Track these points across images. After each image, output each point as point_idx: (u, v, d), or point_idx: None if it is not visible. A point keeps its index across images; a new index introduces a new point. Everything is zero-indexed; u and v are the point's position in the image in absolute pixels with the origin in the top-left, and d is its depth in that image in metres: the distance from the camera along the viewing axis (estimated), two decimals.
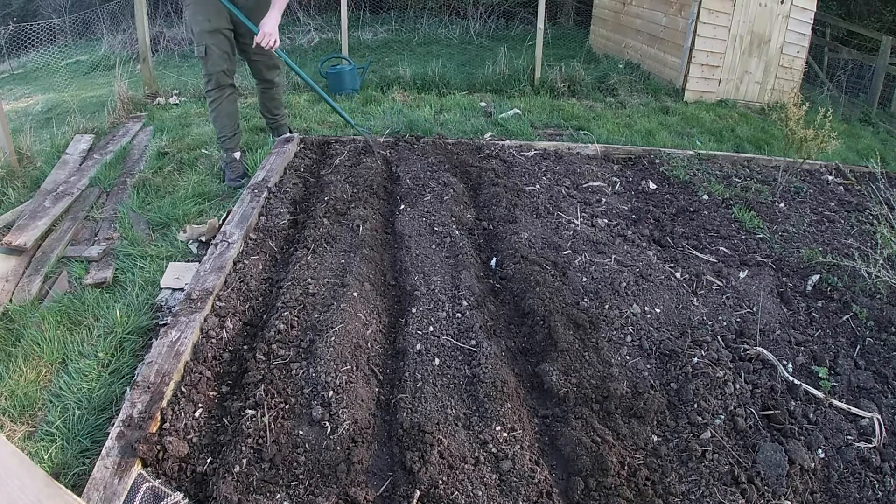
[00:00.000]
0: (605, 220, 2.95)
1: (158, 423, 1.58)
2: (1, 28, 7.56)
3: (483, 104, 5.29)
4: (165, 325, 1.94)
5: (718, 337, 2.13)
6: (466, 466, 1.53)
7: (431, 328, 2.01)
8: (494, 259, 2.57)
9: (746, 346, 2.07)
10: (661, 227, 3.00)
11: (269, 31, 2.95)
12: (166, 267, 2.49)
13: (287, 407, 1.64)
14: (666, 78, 6.48)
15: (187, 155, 3.67)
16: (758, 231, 3.02)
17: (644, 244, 2.74)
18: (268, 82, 3.42)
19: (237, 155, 3.34)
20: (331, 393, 1.66)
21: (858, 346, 2.19)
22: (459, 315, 2.09)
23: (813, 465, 1.66)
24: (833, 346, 2.19)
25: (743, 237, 2.94)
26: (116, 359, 1.98)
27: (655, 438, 1.71)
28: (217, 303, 2.09)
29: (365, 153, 3.55)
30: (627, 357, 1.97)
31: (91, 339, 2.06)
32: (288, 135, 3.64)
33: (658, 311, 2.21)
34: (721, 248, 2.80)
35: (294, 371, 1.75)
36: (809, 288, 2.53)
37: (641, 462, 1.62)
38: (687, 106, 5.90)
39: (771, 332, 2.18)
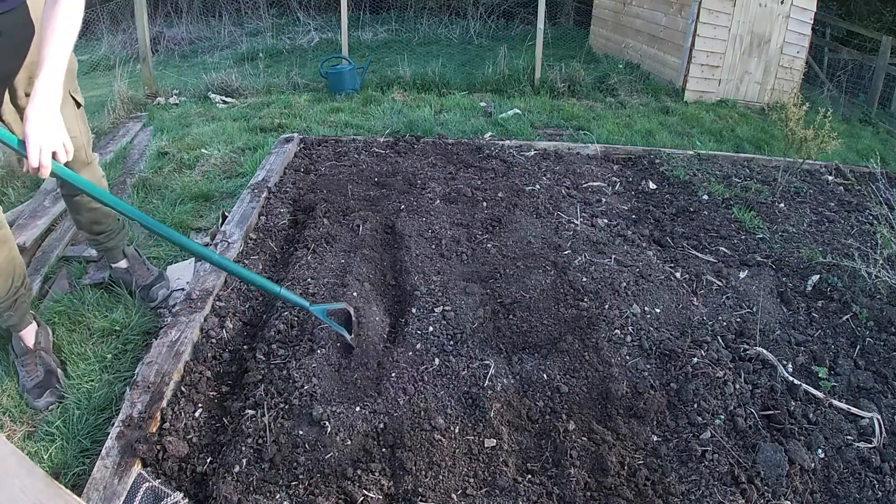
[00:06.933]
0: (605, 220, 2.95)
1: (158, 423, 1.58)
2: None
3: (483, 104, 5.29)
4: (165, 325, 1.94)
5: (718, 337, 2.13)
6: (466, 466, 1.53)
7: (431, 328, 2.01)
8: (494, 259, 2.56)
9: (746, 346, 2.07)
10: (661, 227, 3.00)
11: (40, 142, 1.34)
12: (166, 267, 2.49)
13: (287, 407, 1.64)
14: (666, 78, 6.48)
15: (187, 155, 3.67)
16: (758, 231, 3.02)
17: (644, 244, 2.74)
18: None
19: (29, 336, 1.77)
20: None
21: (858, 346, 2.19)
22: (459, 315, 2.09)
23: (813, 465, 1.66)
24: (833, 347, 2.18)
25: (743, 237, 2.94)
26: (116, 359, 1.98)
27: (655, 438, 1.71)
28: (217, 303, 2.09)
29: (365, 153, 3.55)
30: (627, 357, 1.97)
31: (91, 339, 2.06)
32: (287, 135, 3.62)
33: (658, 311, 2.21)
34: (721, 248, 2.80)
35: (294, 371, 1.75)
36: (809, 288, 2.53)
37: (641, 462, 1.62)
38: (687, 106, 5.90)
39: (771, 332, 2.18)
